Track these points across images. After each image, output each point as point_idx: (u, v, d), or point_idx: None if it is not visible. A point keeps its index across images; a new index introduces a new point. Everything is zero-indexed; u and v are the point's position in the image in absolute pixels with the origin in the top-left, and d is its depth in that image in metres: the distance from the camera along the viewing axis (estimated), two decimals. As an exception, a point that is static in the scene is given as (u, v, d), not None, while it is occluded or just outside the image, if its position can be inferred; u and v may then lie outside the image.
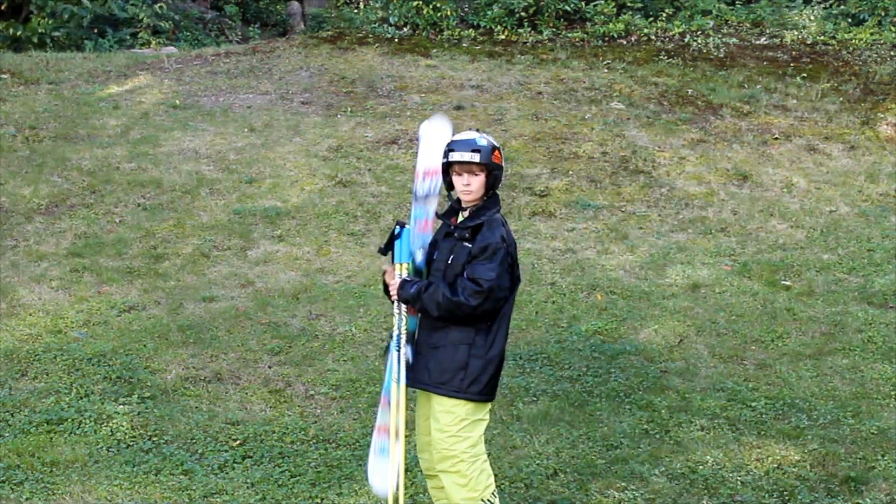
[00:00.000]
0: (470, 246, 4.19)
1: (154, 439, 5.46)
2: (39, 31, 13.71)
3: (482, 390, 4.23)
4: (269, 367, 6.33)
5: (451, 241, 4.27)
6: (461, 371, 4.19)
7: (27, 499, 4.87)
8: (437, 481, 4.39)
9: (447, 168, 4.27)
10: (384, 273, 4.37)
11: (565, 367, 6.41)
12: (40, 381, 5.99)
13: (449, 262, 4.23)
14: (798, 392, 6.12)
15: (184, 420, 5.67)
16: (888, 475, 5.19)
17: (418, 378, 4.26)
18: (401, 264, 4.29)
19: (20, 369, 6.12)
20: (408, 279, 4.24)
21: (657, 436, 5.62)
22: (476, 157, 4.18)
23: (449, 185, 4.32)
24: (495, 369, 4.26)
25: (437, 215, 4.38)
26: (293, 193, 8.88)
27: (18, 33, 13.73)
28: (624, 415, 5.85)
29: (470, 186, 4.22)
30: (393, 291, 4.28)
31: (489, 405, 4.33)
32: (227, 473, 5.18)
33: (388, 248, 4.37)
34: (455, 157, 4.20)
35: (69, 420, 5.56)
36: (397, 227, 4.34)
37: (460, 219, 4.32)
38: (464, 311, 4.14)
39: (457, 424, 4.19)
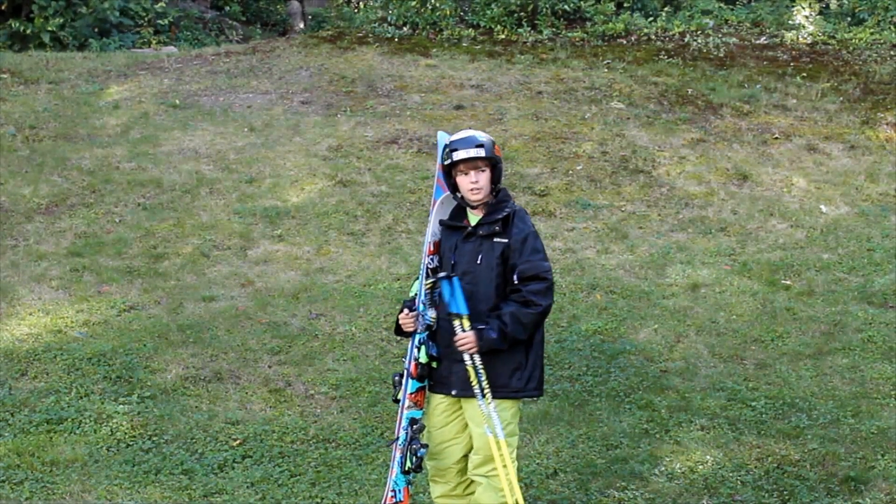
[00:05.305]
0: (504, 241, 4.12)
1: (154, 439, 5.47)
2: (49, 28, 13.65)
3: (537, 385, 4.24)
4: (269, 367, 6.33)
5: (475, 242, 4.17)
6: (517, 371, 4.16)
7: (27, 498, 4.87)
8: (447, 488, 4.35)
9: (449, 170, 4.19)
10: (400, 314, 4.24)
11: (565, 367, 6.41)
12: (40, 381, 5.99)
13: (478, 262, 4.15)
14: (798, 392, 6.12)
15: (183, 420, 5.67)
16: (888, 475, 5.19)
17: (466, 388, 4.14)
18: (461, 316, 4.09)
19: (20, 369, 6.12)
20: (478, 327, 4.07)
21: (657, 435, 5.62)
22: (481, 152, 4.12)
23: (453, 188, 4.23)
24: (542, 362, 4.26)
25: (443, 222, 4.30)
26: (293, 193, 8.88)
27: (26, 31, 13.67)
28: (624, 414, 5.85)
29: (478, 183, 4.14)
30: (466, 347, 4.07)
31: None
32: (226, 473, 5.18)
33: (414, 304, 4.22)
34: (460, 155, 4.12)
35: (69, 420, 5.56)
36: (443, 278, 4.12)
37: (473, 218, 4.23)
38: (546, 313, 4.13)
39: (504, 428, 4.15)
